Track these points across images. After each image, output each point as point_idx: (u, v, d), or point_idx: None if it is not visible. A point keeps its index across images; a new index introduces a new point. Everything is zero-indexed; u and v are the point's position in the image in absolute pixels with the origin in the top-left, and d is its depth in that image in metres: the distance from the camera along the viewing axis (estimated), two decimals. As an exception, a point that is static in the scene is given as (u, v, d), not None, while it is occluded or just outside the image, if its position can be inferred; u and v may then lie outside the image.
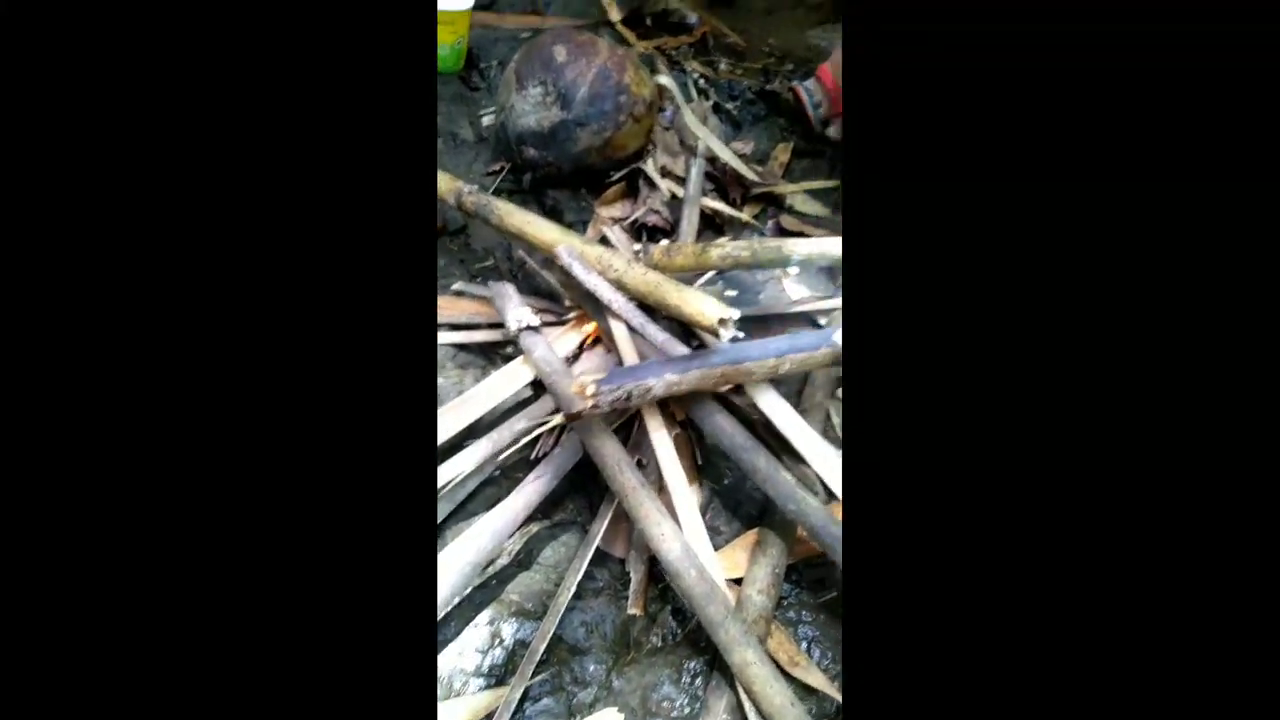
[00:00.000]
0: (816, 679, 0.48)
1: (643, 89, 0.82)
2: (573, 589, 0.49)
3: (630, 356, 0.61)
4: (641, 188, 0.87)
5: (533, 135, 0.79)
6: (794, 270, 0.78)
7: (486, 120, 0.91)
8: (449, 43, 0.91)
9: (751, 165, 0.96)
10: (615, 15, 1.26)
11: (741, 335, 0.56)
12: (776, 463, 0.53)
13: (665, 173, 0.92)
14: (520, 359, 0.63)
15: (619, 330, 0.62)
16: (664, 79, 0.96)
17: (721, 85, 1.13)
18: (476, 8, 0.97)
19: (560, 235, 0.66)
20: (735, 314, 0.56)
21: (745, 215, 0.90)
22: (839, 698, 0.47)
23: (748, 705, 0.44)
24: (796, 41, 1.35)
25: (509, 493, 0.54)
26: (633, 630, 0.50)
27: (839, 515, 0.53)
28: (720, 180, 0.94)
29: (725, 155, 0.93)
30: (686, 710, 0.46)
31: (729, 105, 1.08)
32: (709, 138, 0.93)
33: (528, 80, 0.79)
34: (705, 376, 0.55)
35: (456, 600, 0.49)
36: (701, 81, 1.13)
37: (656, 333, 0.60)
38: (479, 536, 0.50)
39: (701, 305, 0.57)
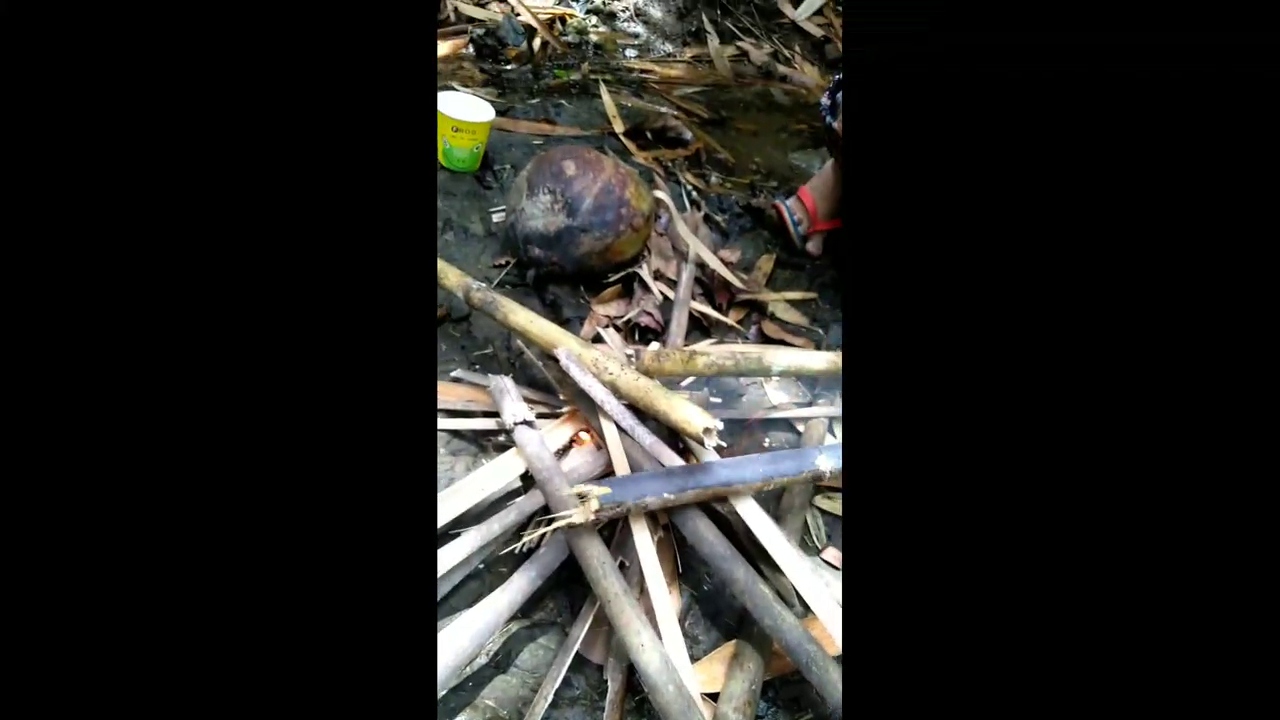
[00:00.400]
0: (789, 804, 0.47)
1: (641, 203, 0.89)
2: (550, 698, 0.49)
3: (619, 455, 0.63)
4: (636, 289, 0.92)
5: (539, 237, 0.85)
6: (775, 379, 0.82)
7: (496, 217, 0.97)
8: (468, 148, 0.99)
9: (737, 273, 1.03)
10: (619, 127, 1.37)
11: (724, 445, 0.59)
12: (755, 574, 0.55)
13: (658, 276, 0.97)
14: (513, 451, 0.64)
15: (610, 430, 0.65)
16: (660, 194, 1.04)
17: (712, 199, 1.22)
18: (494, 115, 1.06)
19: (559, 336, 0.70)
20: (718, 424, 0.59)
21: (730, 319, 0.96)
22: (812, 825, 0.46)
23: (721, 832, 0.43)
24: (780, 162, 1.48)
25: (492, 588, 0.54)
26: (607, 743, 0.50)
27: (815, 631, 0.54)
28: (708, 286, 1.00)
29: (713, 263, 0.99)
30: (658, 834, 0.45)
31: (718, 217, 1.16)
32: (699, 246, 1.00)
33: (538, 188, 0.85)
34: (698, 496, 0.57)
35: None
36: (694, 193, 1.22)
37: (645, 435, 0.62)
38: (459, 636, 0.50)
39: (687, 413, 0.60)
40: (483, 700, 0.50)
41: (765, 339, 0.94)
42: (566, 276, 0.89)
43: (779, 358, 0.74)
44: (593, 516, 0.52)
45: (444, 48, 1.64)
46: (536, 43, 1.70)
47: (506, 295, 0.76)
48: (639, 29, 1.90)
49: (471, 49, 1.66)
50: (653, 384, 0.65)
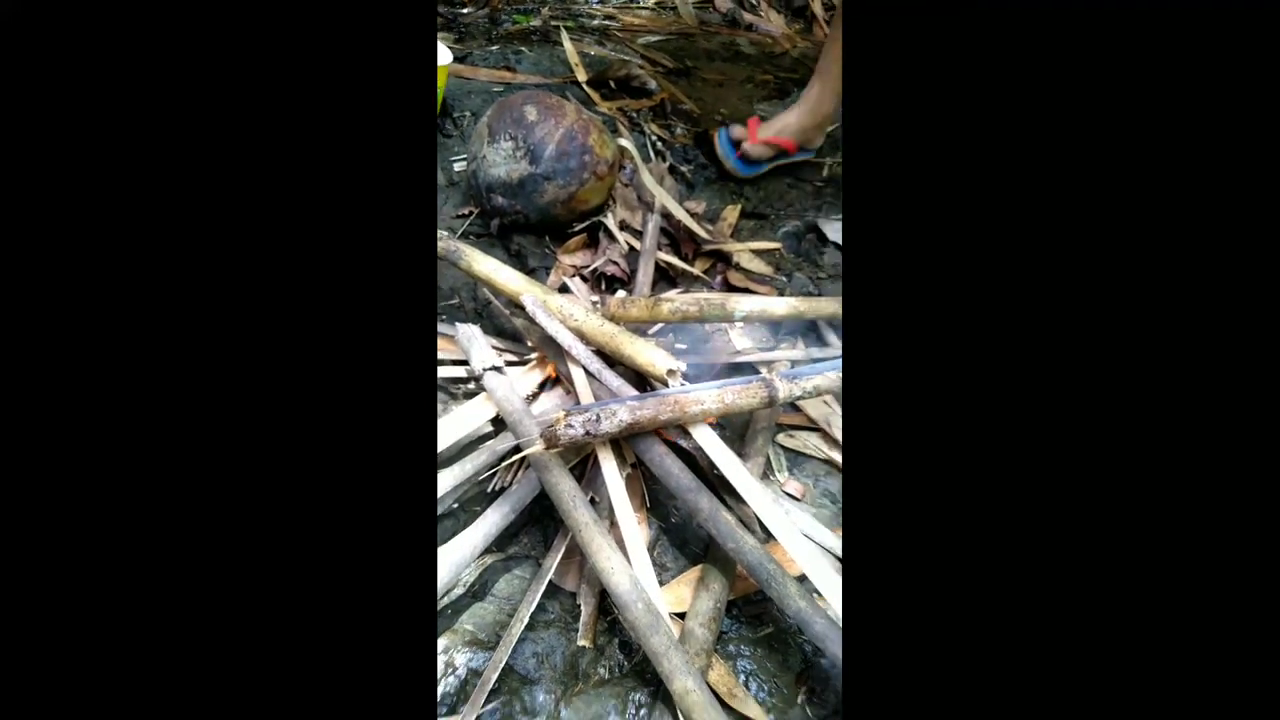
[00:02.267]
0: (754, 710, 0.52)
1: (605, 150, 0.88)
2: (525, 620, 0.52)
3: (587, 398, 0.65)
4: (601, 239, 0.93)
5: (502, 185, 0.84)
6: (739, 324, 0.85)
7: (458, 166, 0.96)
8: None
9: (703, 223, 1.04)
10: (582, 76, 1.34)
11: (687, 385, 0.62)
12: (718, 503, 0.58)
13: (624, 226, 0.98)
14: (482, 396, 0.66)
15: (578, 375, 0.66)
16: (625, 141, 1.04)
17: (677, 149, 1.22)
18: (452, 61, 1.03)
19: (525, 285, 0.70)
20: (682, 366, 0.61)
21: (696, 269, 0.97)
22: (771, 724, 0.51)
23: (687, 730, 0.47)
24: (746, 111, 1.47)
25: (466, 525, 0.56)
26: (582, 662, 0.53)
27: (776, 554, 0.58)
28: (674, 236, 1.01)
29: (679, 213, 1.00)
30: (630, 738, 0.49)
31: (684, 168, 1.16)
32: (664, 196, 1.01)
33: (499, 134, 0.84)
34: (660, 404, 0.59)
35: (410, 632, 0.51)
36: (659, 144, 1.22)
37: (612, 378, 0.64)
38: (439, 569, 0.52)
39: (652, 356, 0.62)
40: (461, 625, 0.53)
41: (730, 288, 0.96)
42: (531, 226, 0.89)
43: (742, 304, 0.76)
44: (565, 426, 0.54)
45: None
46: (493, -14, 1.64)
47: (471, 245, 0.76)
48: (600, -27, 1.84)
49: (425, -8, 1.59)
50: (618, 329, 0.66)
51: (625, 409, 0.57)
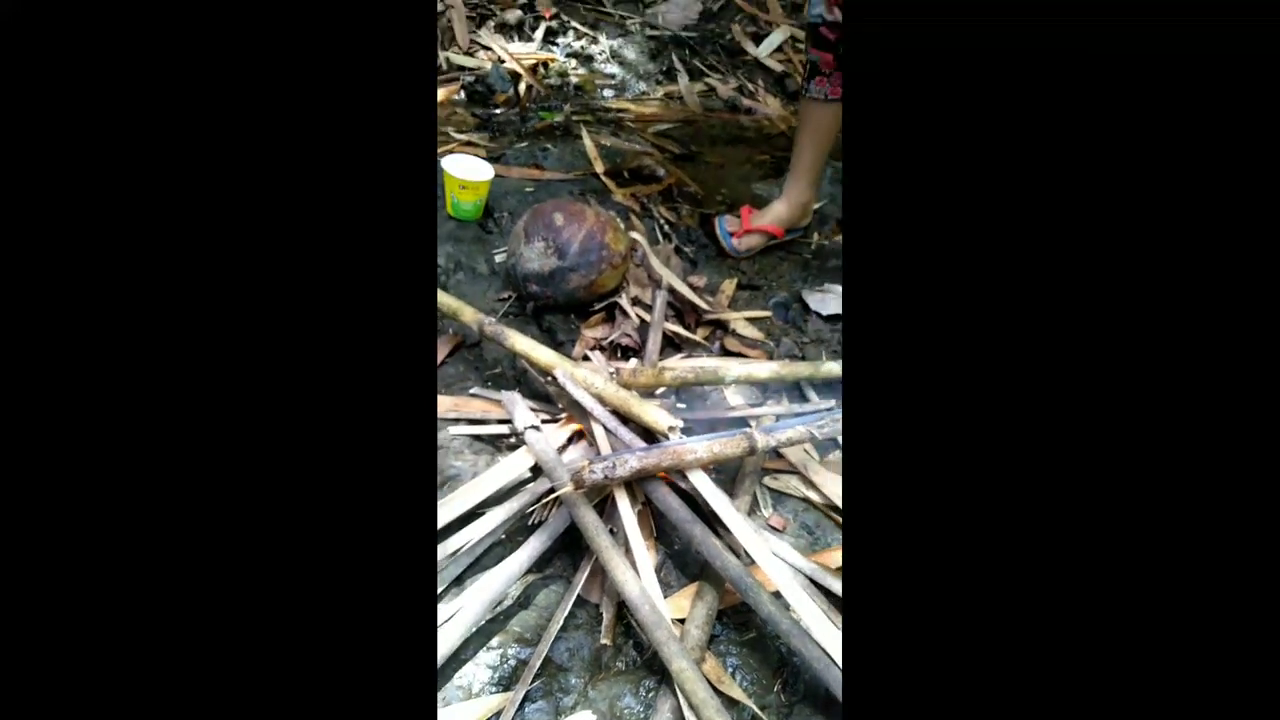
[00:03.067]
0: (737, 693, 0.67)
1: (619, 244, 1.09)
2: (559, 623, 0.69)
3: (606, 449, 0.84)
4: (617, 315, 1.13)
5: (536, 276, 1.05)
6: (731, 386, 1.03)
7: (499, 258, 1.18)
8: (472, 201, 1.19)
9: (704, 296, 1.24)
10: (600, 168, 1.58)
11: (684, 439, 0.80)
12: (710, 533, 0.75)
13: (636, 302, 1.18)
14: (523, 449, 0.84)
15: (598, 431, 0.85)
16: (635, 234, 1.25)
17: (681, 231, 1.43)
18: (492, 175, 1.26)
19: (556, 359, 0.90)
20: (679, 423, 0.79)
21: (698, 337, 1.16)
22: (755, 708, 0.66)
23: (684, 705, 0.63)
24: (743, 192, 1.69)
25: (512, 552, 0.74)
26: (604, 656, 0.69)
27: (756, 574, 0.74)
28: (679, 309, 1.21)
29: (682, 289, 1.20)
30: (642, 714, 0.65)
31: (688, 248, 1.37)
32: (669, 275, 1.21)
33: (534, 236, 1.06)
34: (662, 454, 0.77)
35: (474, 630, 0.68)
36: (666, 226, 1.43)
37: (625, 434, 0.82)
38: (491, 585, 0.69)
39: (656, 416, 0.80)
40: (511, 627, 0.70)
41: (726, 352, 1.14)
42: (559, 307, 1.09)
43: (731, 370, 0.95)
44: (589, 473, 0.72)
45: (439, 94, 1.85)
46: (522, 87, 1.92)
47: (510, 325, 0.96)
48: (615, 69, 2.12)
49: (463, 95, 1.87)
50: (630, 394, 0.85)
51: (635, 458, 0.75)
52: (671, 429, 0.79)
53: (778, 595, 0.72)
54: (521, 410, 0.88)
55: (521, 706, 0.63)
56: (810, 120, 1.29)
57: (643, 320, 1.14)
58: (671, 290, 1.20)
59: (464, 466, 0.84)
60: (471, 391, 0.95)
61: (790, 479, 0.92)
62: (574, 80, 2.05)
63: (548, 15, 2.16)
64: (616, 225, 1.12)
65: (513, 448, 0.88)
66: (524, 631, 0.70)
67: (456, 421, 0.90)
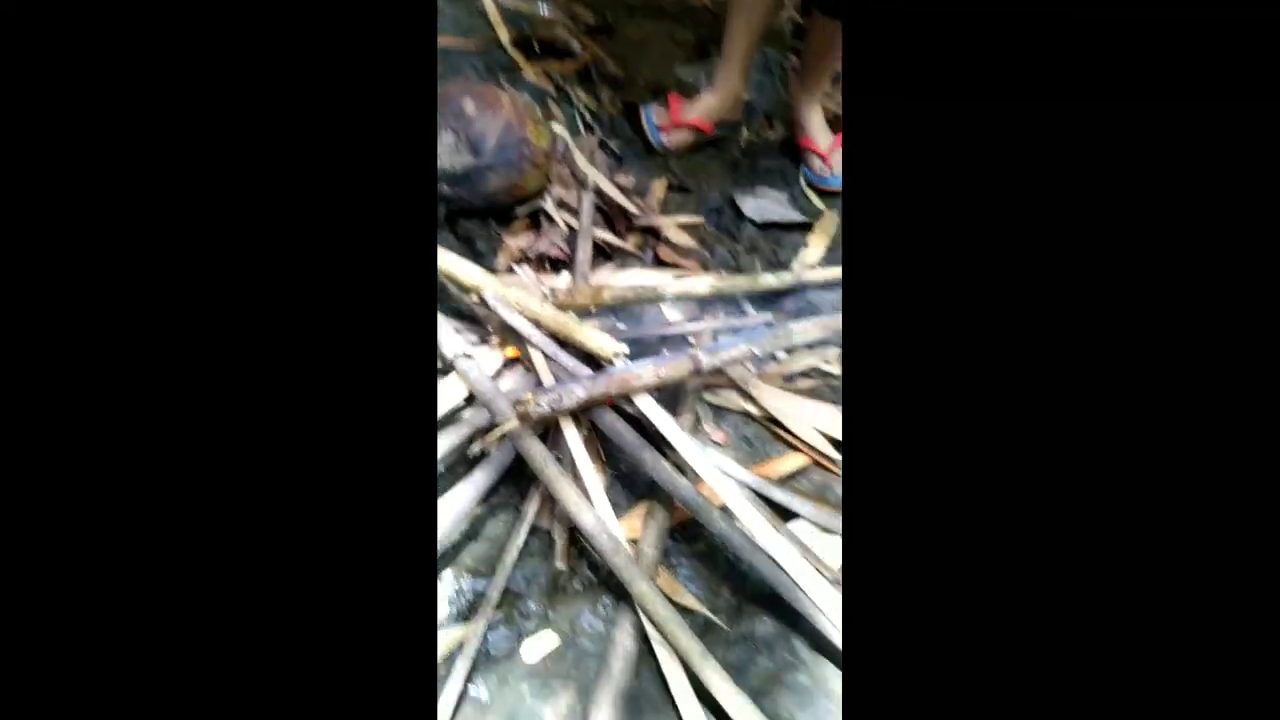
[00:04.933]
0: (692, 602, 0.75)
1: (541, 140, 1.03)
2: (515, 552, 0.71)
3: (547, 377, 0.83)
4: (542, 221, 1.08)
5: (447, 175, 0.97)
6: (669, 302, 1.04)
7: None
8: None
9: (633, 199, 1.21)
10: (505, 36, 1.43)
11: (630, 363, 0.81)
12: (658, 454, 0.79)
13: (562, 205, 1.13)
14: (454, 376, 0.82)
15: (537, 356, 0.84)
16: (557, 126, 1.17)
17: (605, 120, 1.36)
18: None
19: (483, 278, 0.86)
20: (624, 348, 0.80)
21: (629, 245, 1.15)
22: (709, 613, 0.73)
23: (646, 622, 0.69)
24: (668, 75, 1.61)
25: (454, 485, 0.74)
26: (560, 579, 0.74)
27: (703, 490, 0.80)
28: (607, 213, 1.17)
29: (611, 191, 1.16)
30: (603, 630, 0.71)
31: (612, 142, 1.31)
32: (597, 176, 1.16)
33: (441, 128, 0.96)
34: (609, 381, 0.78)
35: (423, 569, 0.69)
36: (588, 115, 1.35)
37: (567, 359, 0.82)
38: (441, 520, 0.70)
39: (600, 341, 0.80)
40: (461, 560, 0.72)
41: (660, 262, 1.14)
42: (476, 211, 1.03)
43: (670, 286, 0.95)
44: (538, 407, 0.72)
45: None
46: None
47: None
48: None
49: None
50: (569, 317, 0.84)
51: (581, 388, 0.76)
52: (616, 355, 0.80)
53: (724, 509, 0.78)
54: (447, 334, 0.84)
55: (485, 635, 0.67)
56: (743, 11, 1.23)
57: (570, 227, 1.10)
58: (599, 192, 1.15)
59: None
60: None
61: (729, 394, 0.98)
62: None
63: None
64: (536, 115, 1.04)
65: (442, 374, 0.85)
66: (476, 564, 0.73)
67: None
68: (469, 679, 0.64)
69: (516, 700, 0.64)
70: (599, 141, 1.29)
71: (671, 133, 1.33)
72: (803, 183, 1.38)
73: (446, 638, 0.66)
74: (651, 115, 1.35)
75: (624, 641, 0.67)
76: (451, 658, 0.65)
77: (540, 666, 0.66)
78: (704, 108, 1.33)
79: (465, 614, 0.69)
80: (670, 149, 1.34)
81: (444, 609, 0.69)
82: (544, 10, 1.59)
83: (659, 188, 1.28)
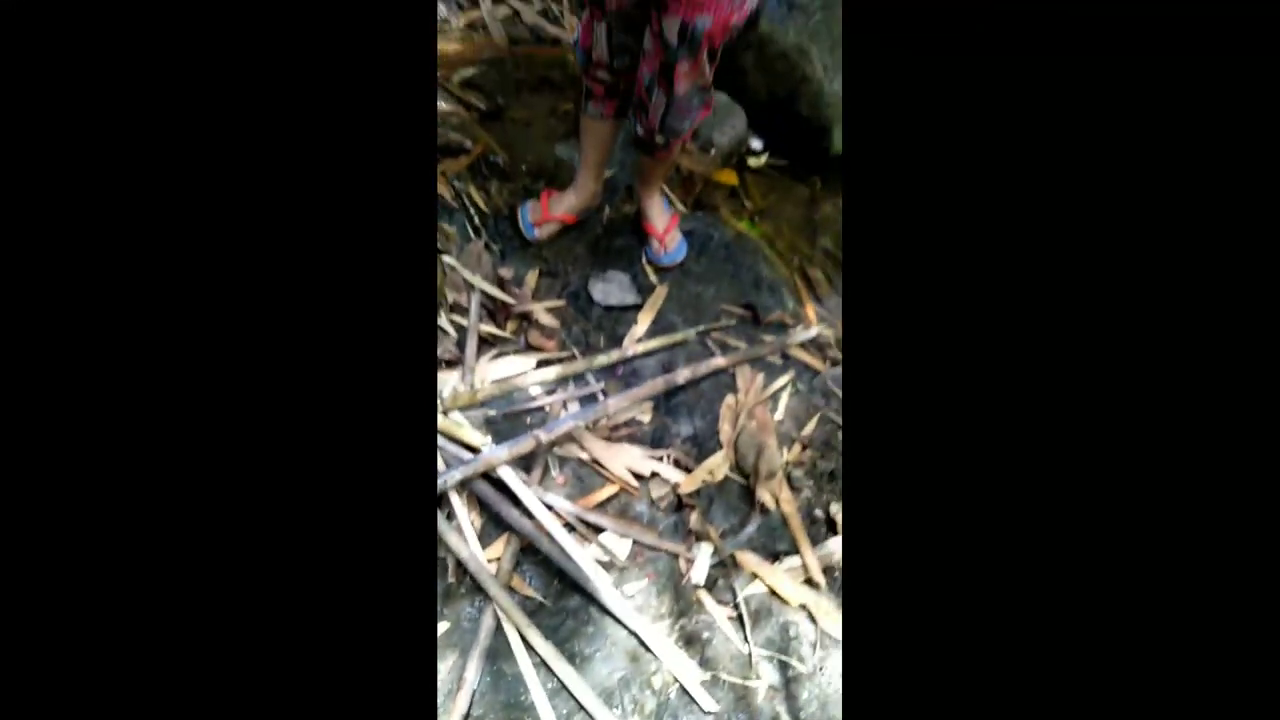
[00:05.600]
0: (529, 591, 1.29)
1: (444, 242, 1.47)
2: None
3: (440, 462, 1.34)
4: (445, 329, 1.54)
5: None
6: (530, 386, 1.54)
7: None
8: None
9: (511, 290, 1.67)
10: (408, 148, 1.82)
11: (494, 446, 1.31)
12: (510, 504, 1.32)
13: (454, 307, 1.59)
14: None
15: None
16: (450, 260, 1.61)
17: (490, 222, 1.79)
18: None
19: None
20: (488, 440, 1.30)
21: (507, 333, 1.62)
22: (539, 598, 1.28)
23: (496, 607, 1.24)
24: (547, 155, 2.02)
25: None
26: (450, 588, 1.28)
27: (541, 522, 1.33)
28: (490, 307, 1.63)
29: (494, 291, 1.62)
30: (475, 616, 1.25)
31: (495, 245, 1.75)
32: (481, 282, 1.61)
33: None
34: (479, 464, 1.30)
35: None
36: (476, 216, 1.78)
37: (451, 447, 1.32)
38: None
39: (472, 436, 1.30)
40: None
41: (528, 345, 1.63)
42: (392, 329, 1.49)
43: (530, 376, 1.44)
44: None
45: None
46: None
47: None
48: (412, -9, 2.16)
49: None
50: (451, 418, 1.33)
51: (459, 471, 1.27)
52: (482, 445, 1.30)
53: (549, 535, 1.32)
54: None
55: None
56: (591, 133, 1.66)
57: (459, 327, 1.57)
58: (483, 291, 1.61)
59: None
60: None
61: (571, 445, 1.49)
62: (369, 10, 2.10)
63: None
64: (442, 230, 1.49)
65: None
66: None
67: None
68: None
69: (428, 654, 1.19)
70: (484, 244, 1.73)
71: (543, 226, 1.77)
72: (644, 261, 1.85)
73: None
74: (526, 212, 1.78)
75: (486, 621, 1.22)
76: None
77: (439, 640, 1.21)
78: (567, 205, 1.77)
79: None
80: (542, 240, 1.79)
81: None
82: (444, 104, 1.95)
83: (532, 277, 1.74)
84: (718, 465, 1.51)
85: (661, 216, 1.82)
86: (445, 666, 1.18)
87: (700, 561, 1.38)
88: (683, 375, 1.59)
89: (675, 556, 1.39)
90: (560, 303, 1.72)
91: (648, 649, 1.26)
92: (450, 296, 1.58)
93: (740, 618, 1.33)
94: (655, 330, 1.71)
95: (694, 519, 1.44)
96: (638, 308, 1.75)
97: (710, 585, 1.38)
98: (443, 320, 1.55)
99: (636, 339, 1.68)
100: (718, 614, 1.34)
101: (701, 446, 1.55)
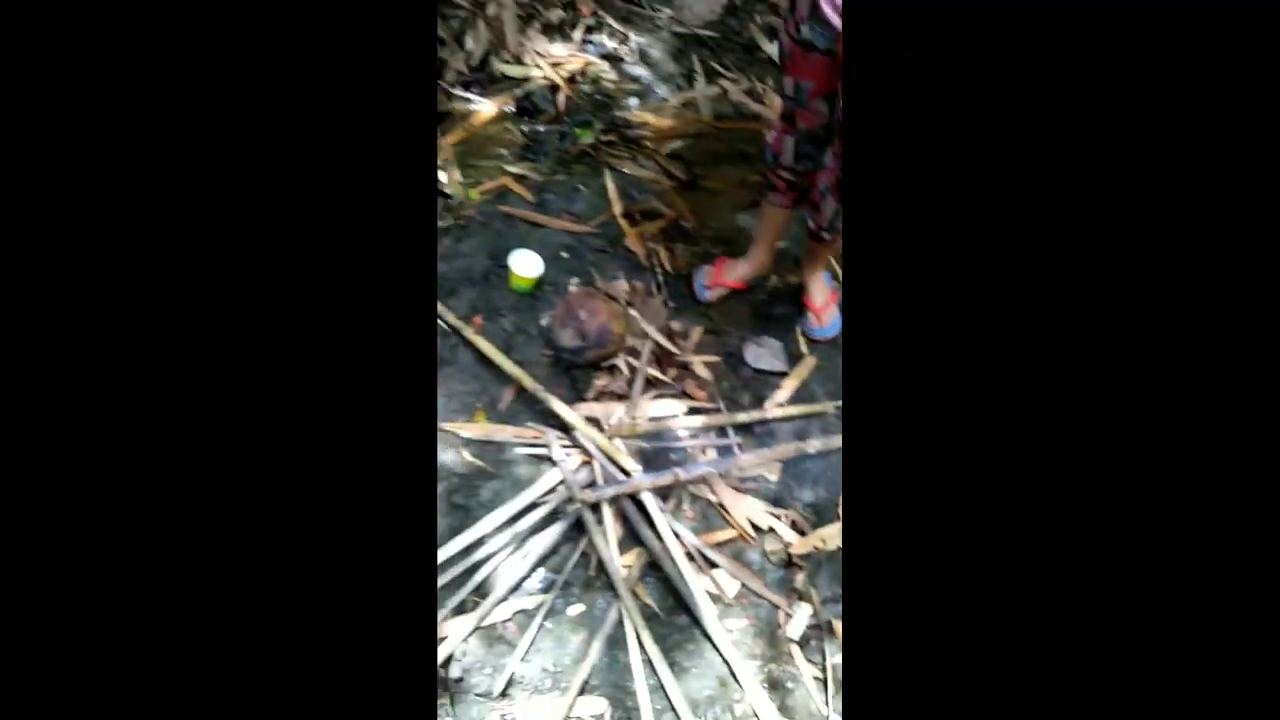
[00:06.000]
0: (649, 601, 1.57)
1: (620, 327, 1.82)
2: (571, 564, 1.58)
3: (599, 477, 1.67)
4: (616, 369, 1.89)
5: (567, 349, 1.80)
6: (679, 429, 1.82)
7: (544, 321, 1.91)
8: (529, 285, 1.90)
9: (677, 341, 1.97)
10: (618, 210, 2.20)
11: (642, 473, 1.62)
12: (647, 525, 1.61)
13: (631, 351, 1.92)
14: (556, 469, 1.68)
15: (595, 465, 1.68)
16: (633, 312, 1.95)
17: (670, 280, 2.10)
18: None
19: (574, 418, 1.70)
20: (639, 467, 1.61)
21: (668, 378, 1.92)
22: (655, 608, 1.56)
23: (622, 605, 1.54)
24: (729, 225, 2.30)
25: (548, 527, 1.61)
26: (589, 581, 1.60)
27: (668, 545, 1.61)
28: (658, 354, 1.95)
29: (663, 341, 1.93)
30: (605, 605, 1.57)
31: (671, 304, 2.06)
32: (654, 332, 1.93)
33: (567, 323, 1.79)
34: (628, 486, 1.61)
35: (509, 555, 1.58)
36: (660, 275, 2.10)
37: (610, 468, 1.65)
38: (543, 543, 1.58)
39: (627, 461, 1.62)
40: (549, 564, 1.60)
41: (684, 393, 1.92)
42: (580, 365, 1.86)
43: (679, 420, 1.73)
44: (589, 500, 1.57)
45: (491, 105, 2.39)
46: (560, 99, 2.43)
47: (549, 373, 1.73)
48: (641, 70, 2.57)
49: (514, 107, 2.40)
50: (615, 443, 1.66)
51: (612, 487, 1.59)
52: (634, 470, 1.61)
53: (672, 558, 1.59)
54: (555, 444, 1.70)
55: (552, 603, 1.54)
56: (768, 216, 1.92)
57: (632, 368, 1.90)
58: (654, 340, 1.93)
59: (520, 472, 1.69)
60: (527, 424, 1.77)
61: (703, 486, 1.76)
62: (605, 85, 2.54)
63: (586, 13, 2.55)
64: (619, 313, 1.84)
65: (551, 462, 1.72)
66: (550, 569, 1.60)
67: (518, 444, 1.73)
68: (543, 620, 1.52)
69: (560, 632, 1.51)
70: (662, 300, 2.05)
71: (714, 289, 2.05)
72: (799, 331, 2.06)
73: (532, 603, 1.54)
74: (701, 276, 2.07)
75: (611, 614, 1.52)
76: (539, 609, 1.52)
77: (575, 619, 1.53)
78: (739, 273, 2.03)
79: (546, 589, 1.57)
80: (711, 301, 2.07)
81: (536, 584, 1.57)
82: (650, 171, 2.31)
83: (697, 333, 2.03)
84: (831, 536, 1.68)
85: (821, 292, 2.02)
86: (577, 639, 1.50)
87: (798, 618, 1.58)
88: (814, 445, 1.79)
89: (776, 608, 1.60)
90: (717, 359, 1.99)
91: (736, 680, 1.49)
92: (629, 341, 1.92)
93: (825, 680, 1.50)
94: (797, 398, 1.92)
95: (799, 579, 1.64)
96: (784, 374, 1.96)
97: (804, 643, 1.57)
98: (620, 361, 1.89)
99: (778, 403, 1.90)
100: (805, 670, 1.53)
101: (820, 514, 1.73)
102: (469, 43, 2.35)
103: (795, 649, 1.55)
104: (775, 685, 1.51)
